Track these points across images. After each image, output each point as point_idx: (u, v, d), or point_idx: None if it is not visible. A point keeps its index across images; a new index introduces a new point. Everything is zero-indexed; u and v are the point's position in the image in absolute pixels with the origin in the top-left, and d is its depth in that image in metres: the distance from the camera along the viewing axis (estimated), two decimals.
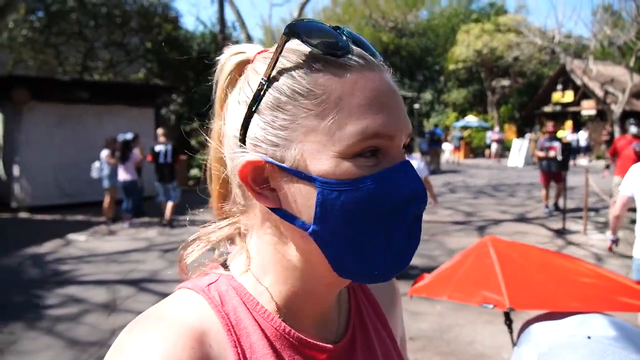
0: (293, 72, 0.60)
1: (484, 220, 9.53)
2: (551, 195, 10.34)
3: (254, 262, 0.67)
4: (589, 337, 1.77)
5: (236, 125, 0.63)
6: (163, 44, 17.27)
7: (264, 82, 0.60)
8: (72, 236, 8.50)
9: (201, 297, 0.63)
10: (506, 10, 36.14)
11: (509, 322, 2.48)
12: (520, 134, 24.56)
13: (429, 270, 6.10)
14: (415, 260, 6.65)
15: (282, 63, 0.60)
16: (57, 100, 11.64)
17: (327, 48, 0.59)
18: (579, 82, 24.00)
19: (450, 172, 18.71)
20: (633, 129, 8.77)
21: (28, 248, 7.68)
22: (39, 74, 15.42)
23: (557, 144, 9.70)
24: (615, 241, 4.28)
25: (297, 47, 0.60)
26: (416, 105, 29.00)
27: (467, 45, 29.90)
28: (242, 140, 0.62)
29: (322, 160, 0.58)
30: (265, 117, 0.60)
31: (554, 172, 9.65)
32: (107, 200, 9.50)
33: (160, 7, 17.71)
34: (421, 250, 7.17)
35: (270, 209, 0.62)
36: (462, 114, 31.40)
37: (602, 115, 23.61)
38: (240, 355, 0.60)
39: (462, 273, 2.54)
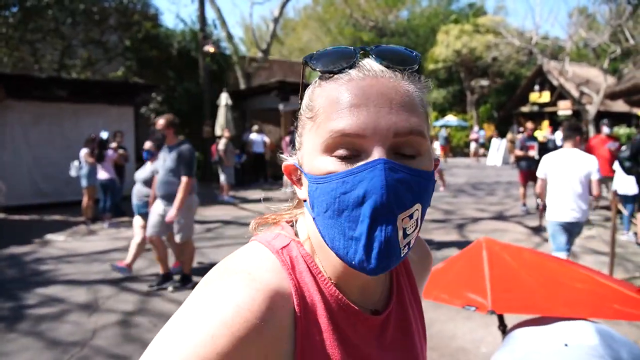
0: (306, 92, 0.75)
1: (463, 218, 9.67)
2: (529, 194, 10.53)
3: (312, 235, 0.77)
4: (565, 345, 1.76)
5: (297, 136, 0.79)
6: (142, 41, 17.07)
7: (299, 102, 0.77)
8: (50, 236, 8.37)
9: (276, 259, 0.73)
10: (485, 12, 36.61)
11: (503, 327, 2.44)
12: (501, 134, 24.90)
13: None
14: None
15: (308, 89, 0.76)
16: (33, 98, 11.42)
17: (324, 68, 0.71)
18: (555, 83, 24.50)
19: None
20: (606, 130, 8.99)
21: (5, 249, 7.54)
22: (14, 72, 15.10)
23: (535, 144, 9.90)
24: (544, 206, 5.31)
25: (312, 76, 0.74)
26: None
27: (446, 46, 30.22)
28: (294, 146, 0.79)
29: (308, 160, 0.70)
30: (297, 131, 0.77)
31: (533, 170, 9.82)
32: (85, 200, 9.38)
33: (139, 4, 17.48)
34: None
35: (304, 200, 0.75)
36: (442, 113, 31.71)
37: (578, 115, 24.07)
38: (301, 315, 0.69)
39: (452, 274, 2.54)
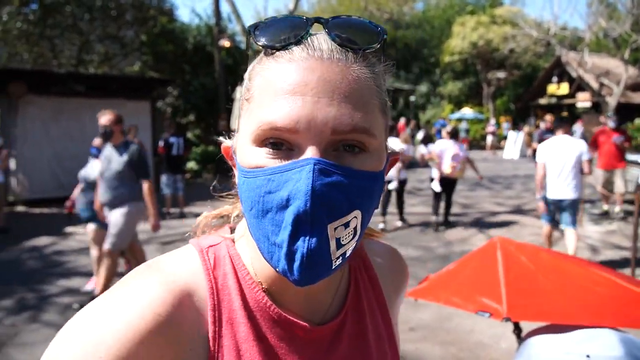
0: (248, 69, 0.65)
1: (480, 212, 9.60)
2: None
3: (247, 230, 0.68)
4: (587, 356, 1.65)
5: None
6: (158, 36, 17.18)
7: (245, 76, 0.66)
8: (70, 229, 8.50)
9: (198, 258, 0.67)
10: (502, 2, 36.12)
11: (517, 331, 2.34)
12: (516, 126, 24.63)
13: (425, 261, 6.20)
14: (413, 252, 6.71)
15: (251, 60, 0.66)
16: (53, 93, 11.58)
17: (267, 42, 0.61)
18: (574, 74, 24.10)
19: None
20: (611, 123, 8.83)
21: (27, 241, 7.69)
22: (34, 67, 15.31)
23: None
24: (544, 199, 5.84)
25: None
26: (412, 98, 29.00)
27: (462, 38, 29.91)
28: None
29: (241, 147, 0.62)
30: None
31: None
32: None
33: (155, 0, 17.59)
34: (419, 242, 7.26)
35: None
36: (458, 106, 31.44)
37: (597, 107, 23.68)
38: (216, 319, 0.63)
39: (464, 276, 2.39)
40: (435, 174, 7.93)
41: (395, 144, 7.96)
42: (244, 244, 0.70)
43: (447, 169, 7.65)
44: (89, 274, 5.90)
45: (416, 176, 15.50)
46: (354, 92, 0.58)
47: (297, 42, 0.60)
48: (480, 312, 2.05)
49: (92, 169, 5.36)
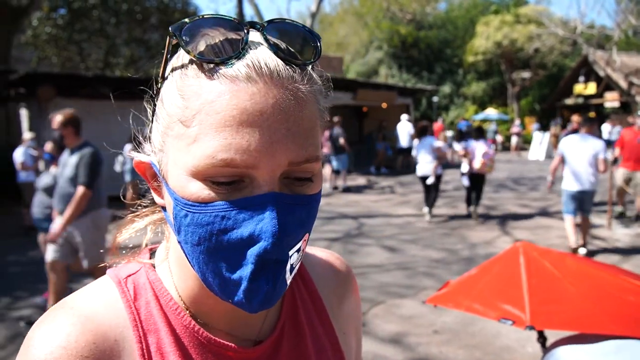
0: (174, 75, 0.57)
1: (505, 214, 9.46)
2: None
3: (170, 252, 0.66)
4: None
5: (148, 121, 0.63)
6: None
7: (159, 82, 0.59)
8: None
9: (116, 290, 0.63)
10: (527, 1, 35.59)
11: (542, 339, 2.28)
12: (543, 127, 24.20)
13: (449, 264, 6.14)
14: (436, 254, 6.65)
15: (172, 64, 0.58)
16: (80, 96, 11.84)
17: (205, 54, 0.53)
18: (602, 74, 23.62)
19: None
20: None
21: None
22: (62, 71, 15.68)
23: None
24: (552, 182, 7.11)
25: (182, 50, 0.56)
26: (435, 99, 28.77)
27: (486, 37, 29.55)
28: (149, 137, 0.62)
29: (176, 175, 0.55)
30: (156, 120, 0.59)
31: None
32: (129, 194, 9.66)
33: (179, 3, 17.84)
34: (443, 244, 7.20)
35: (162, 207, 0.63)
36: (482, 106, 31.07)
37: (627, 107, 23.13)
38: (145, 351, 0.59)
39: (486, 282, 2.33)
40: (465, 169, 8.64)
41: (434, 142, 8.82)
42: (166, 268, 0.66)
43: (477, 164, 8.32)
44: None
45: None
46: (305, 118, 0.54)
47: (238, 56, 0.53)
48: (502, 319, 2.01)
49: (48, 176, 5.06)
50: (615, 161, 8.95)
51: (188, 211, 0.54)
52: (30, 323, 4.26)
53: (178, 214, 0.55)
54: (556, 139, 19.63)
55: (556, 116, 28.23)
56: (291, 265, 0.57)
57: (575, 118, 10.49)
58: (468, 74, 33.18)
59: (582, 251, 6.52)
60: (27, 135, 8.69)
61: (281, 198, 0.53)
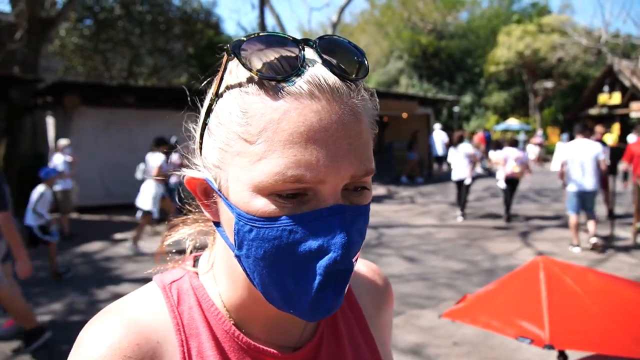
0: (232, 92, 0.57)
1: (527, 225, 9.32)
2: (598, 201, 10.01)
3: (216, 262, 0.68)
4: None
5: (197, 137, 0.64)
6: (205, 49, 17.64)
7: (213, 99, 0.60)
8: (119, 236, 8.79)
9: (160, 295, 0.66)
10: (550, 11, 35.24)
11: (562, 357, 2.19)
12: (571, 138, 23.82)
13: (470, 275, 6.07)
14: (457, 266, 6.58)
15: (227, 81, 0.59)
16: (104, 105, 12.08)
17: (265, 71, 0.54)
18: (627, 83, 23.21)
19: (492, 177, 18.34)
20: None
21: (78, 247, 8.00)
22: (88, 80, 16.03)
23: (605, 148, 9.39)
24: (565, 184, 7.58)
25: (240, 67, 0.57)
26: (456, 109, 28.58)
27: (508, 47, 29.30)
28: (199, 153, 0.63)
29: (239, 191, 0.56)
30: (211, 136, 0.60)
31: (603, 177, 9.35)
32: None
33: (202, 14, 18.13)
34: (463, 255, 7.12)
35: (214, 222, 0.64)
36: (503, 117, 30.75)
37: None
38: (186, 354, 0.62)
39: (504, 298, 2.27)
40: (500, 174, 9.55)
41: (468, 149, 9.97)
42: (210, 276, 0.68)
43: (509, 169, 9.20)
44: (137, 280, 6.07)
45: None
46: (363, 132, 0.56)
47: (298, 74, 0.54)
48: (520, 337, 1.96)
49: None
50: (625, 176, 8.78)
51: (253, 226, 0.55)
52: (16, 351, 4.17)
53: (241, 229, 0.56)
54: None
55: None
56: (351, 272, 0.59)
57: (599, 129, 10.29)
58: (489, 84, 32.91)
59: (577, 250, 7.24)
60: (62, 142, 8.81)
61: (347, 209, 0.55)
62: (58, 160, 8.51)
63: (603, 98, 27.36)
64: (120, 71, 17.61)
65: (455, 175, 9.98)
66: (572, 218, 7.33)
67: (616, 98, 26.65)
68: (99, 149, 11.85)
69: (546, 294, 2.07)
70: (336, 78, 0.55)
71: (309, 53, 0.57)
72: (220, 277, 0.67)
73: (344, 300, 0.77)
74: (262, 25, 16.88)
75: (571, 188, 7.23)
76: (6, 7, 16.29)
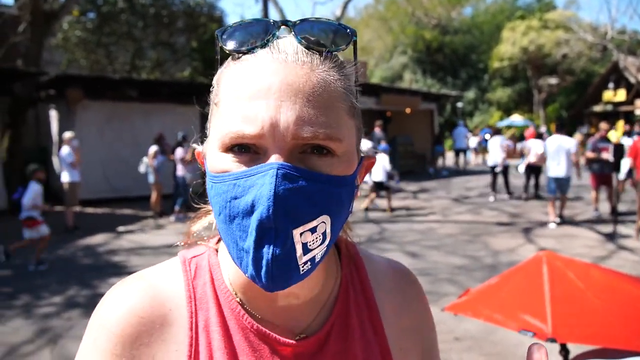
0: (218, 70, 0.64)
1: (530, 222, 9.30)
2: (602, 198, 9.99)
3: None
4: None
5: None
6: (208, 43, 17.61)
7: (214, 79, 0.65)
8: (121, 228, 8.81)
9: (180, 268, 0.70)
10: (555, 6, 35.04)
11: (564, 352, 2.21)
12: (570, 135, 23.77)
13: (472, 271, 6.06)
14: (459, 261, 6.57)
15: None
16: (107, 98, 12.08)
17: (234, 47, 0.60)
18: (632, 80, 23.08)
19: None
20: None
21: (81, 239, 8.02)
22: (91, 73, 16.02)
23: (609, 145, 9.37)
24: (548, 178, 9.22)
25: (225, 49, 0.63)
26: (459, 104, 28.50)
27: (512, 43, 29.18)
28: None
29: (209, 152, 0.62)
30: (209, 113, 0.66)
31: (606, 174, 9.34)
32: (154, 195, 9.80)
33: (205, 7, 18.08)
34: (465, 251, 7.11)
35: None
36: (507, 113, 30.66)
37: None
38: (194, 325, 0.65)
39: (507, 292, 2.28)
40: (524, 162, 11.58)
41: (502, 140, 11.79)
42: (224, 252, 0.70)
43: (533, 158, 10.84)
44: None
45: (462, 183, 15.20)
46: (318, 96, 0.57)
47: (263, 46, 0.59)
48: (522, 330, 1.97)
49: None
50: (630, 173, 8.75)
51: (213, 182, 0.59)
52: None
53: (209, 190, 0.61)
54: (583, 147, 19.23)
55: (584, 123, 27.69)
56: (304, 244, 0.57)
57: (604, 125, 10.25)
58: (493, 79, 32.80)
59: (552, 226, 8.70)
60: (68, 134, 8.78)
61: (284, 167, 0.55)
62: (65, 152, 8.51)
63: (608, 95, 27.23)
64: (123, 64, 17.59)
65: (490, 161, 11.97)
66: (551, 198, 9.01)
67: (621, 95, 26.51)
68: (101, 142, 11.87)
69: (549, 288, 2.08)
70: (299, 47, 0.59)
71: (286, 32, 0.61)
72: (227, 253, 0.68)
73: (362, 295, 0.76)
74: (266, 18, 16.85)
75: (549, 174, 8.91)
76: (9, 0, 16.28)
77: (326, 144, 0.57)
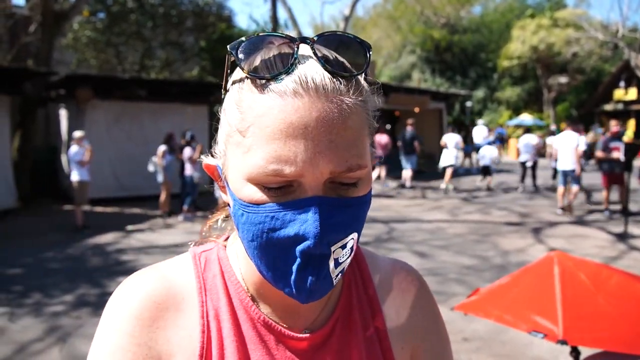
0: (234, 88, 0.63)
1: (540, 222, 9.23)
2: (613, 198, 9.90)
3: (239, 239, 0.72)
4: None
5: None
6: (217, 42, 17.65)
7: (223, 93, 0.66)
8: (130, 227, 8.86)
9: (191, 262, 0.74)
10: (565, 4, 34.73)
11: (575, 353, 2.19)
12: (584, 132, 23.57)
13: (481, 271, 6.02)
14: (468, 261, 6.54)
15: (232, 78, 0.64)
16: (116, 97, 12.14)
17: (255, 71, 0.59)
18: None
19: (505, 172, 18.21)
20: None
21: (90, 238, 8.06)
22: (100, 73, 16.12)
23: (620, 144, 9.29)
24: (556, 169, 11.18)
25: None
26: (468, 103, 28.34)
27: (522, 42, 28.97)
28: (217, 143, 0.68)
29: (235, 178, 0.62)
30: (221, 127, 0.66)
31: (617, 173, 9.25)
32: (163, 195, 9.83)
33: (214, 7, 18.12)
34: (474, 251, 7.07)
35: (227, 204, 0.70)
36: (516, 112, 30.45)
37: None
38: (205, 314, 0.69)
39: (518, 292, 2.26)
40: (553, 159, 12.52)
41: (532, 139, 13.47)
42: (235, 250, 0.75)
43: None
44: None
45: (469, 182, 15.12)
46: (349, 128, 0.58)
47: (287, 71, 0.58)
48: (533, 332, 1.95)
49: None
50: None
51: (244, 211, 0.61)
52: None
53: (236, 213, 0.63)
54: (594, 146, 19.07)
55: (594, 122, 27.44)
56: (336, 260, 0.61)
57: (613, 123, 10.17)
58: (502, 78, 32.58)
59: (559, 212, 9.77)
60: (78, 133, 8.81)
61: (324, 201, 0.58)
62: (73, 151, 8.55)
63: (619, 93, 26.97)
64: (132, 64, 17.68)
65: (522, 158, 13.45)
66: (560, 189, 9.90)
67: (632, 93, 26.26)
68: (111, 141, 11.92)
69: (560, 289, 2.06)
70: (325, 75, 0.58)
71: (305, 50, 0.60)
72: (240, 251, 0.73)
73: (364, 292, 0.79)
74: (274, 18, 16.83)
75: (558, 167, 9.91)
76: (20, 1, 16.43)
77: (355, 175, 0.60)
